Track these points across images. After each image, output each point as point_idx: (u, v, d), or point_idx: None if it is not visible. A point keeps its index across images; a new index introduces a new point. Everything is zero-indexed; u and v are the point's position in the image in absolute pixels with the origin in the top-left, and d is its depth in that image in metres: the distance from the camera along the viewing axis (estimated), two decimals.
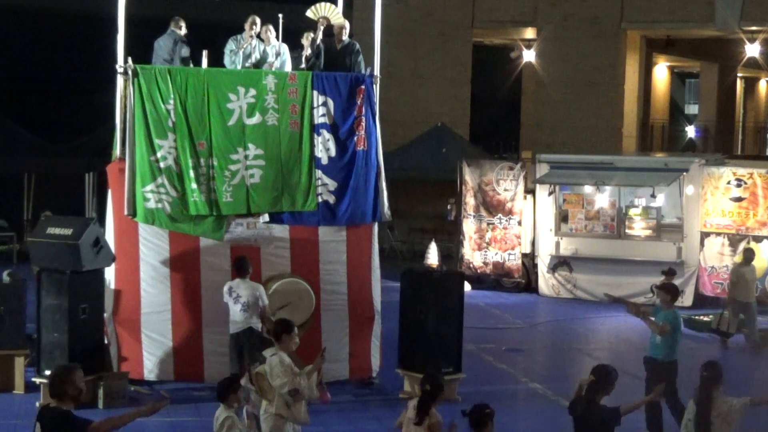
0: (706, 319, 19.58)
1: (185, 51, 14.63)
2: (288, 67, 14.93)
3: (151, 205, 13.91)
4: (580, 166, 22.60)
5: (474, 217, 23.10)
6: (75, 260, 13.12)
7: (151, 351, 14.11)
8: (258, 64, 14.76)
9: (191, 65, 14.67)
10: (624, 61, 29.94)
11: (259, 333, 13.44)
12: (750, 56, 31.12)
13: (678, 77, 45.13)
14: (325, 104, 14.48)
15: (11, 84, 32.17)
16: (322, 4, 15.11)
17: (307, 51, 15.23)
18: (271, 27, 14.94)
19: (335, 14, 15.11)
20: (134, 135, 13.83)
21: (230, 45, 14.76)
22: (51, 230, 13.44)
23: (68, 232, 13.27)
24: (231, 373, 13.49)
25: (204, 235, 14.17)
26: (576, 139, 28.83)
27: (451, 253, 24.41)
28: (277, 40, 15.08)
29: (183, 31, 14.74)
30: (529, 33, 30.82)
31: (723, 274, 21.04)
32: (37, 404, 13.18)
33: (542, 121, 30.10)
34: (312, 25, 15.19)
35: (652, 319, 12.23)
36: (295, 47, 15.20)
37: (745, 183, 20.99)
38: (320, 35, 15.02)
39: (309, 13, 15.11)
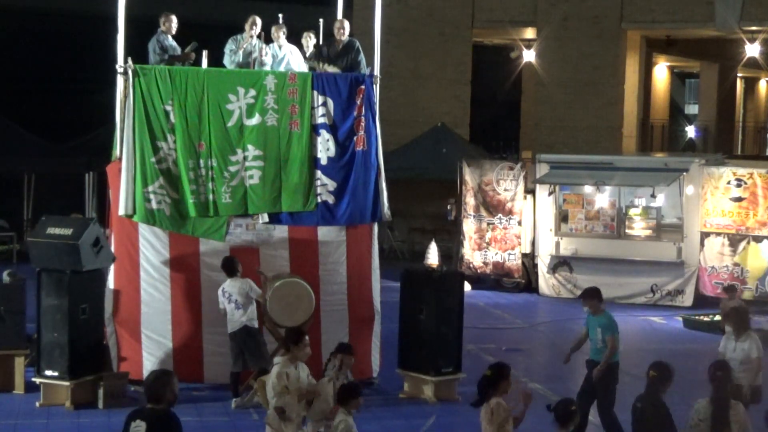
0: (705, 319, 19.59)
1: (169, 47, 14.55)
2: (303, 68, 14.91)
3: (153, 205, 13.91)
4: (580, 166, 22.59)
5: (474, 217, 23.10)
6: (75, 260, 13.11)
7: (151, 351, 14.09)
8: (257, 63, 14.75)
9: (189, 48, 14.57)
10: (624, 61, 29.93)
11: (255, 332, 13.45)
12: (750, 56, 31.10)
13: (678, 77, 45.11)
14: (324, 104, 14.48)
15: (11, 84, 32.16)
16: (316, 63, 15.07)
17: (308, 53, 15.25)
18: (284, 29, 14.88)
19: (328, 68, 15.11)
20: (134, 136, 13.83)
21: (230, 45, 14.76)
22: (51, 230, 13.43)
23: (68, 232, 13.27)
24: (231, 373, 13.54)
25: (204, 236, 14.18)
26: (576, 139, 28.83)
27: (451, 253, 24.39)
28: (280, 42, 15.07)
29: (172, 26, 14.56)
30: (529, 33, 30.81)
31: (723, 274, 21.05)
32: (37, 404, 13.24)
33: (542, 121, 30.09)
34: (312, 26, 15.20)
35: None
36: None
37: (745, 183, 20.99)
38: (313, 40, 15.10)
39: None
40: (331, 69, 14.85)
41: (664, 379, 9.18)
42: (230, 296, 13.35)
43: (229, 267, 13.51)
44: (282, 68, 14.79)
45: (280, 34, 14.89)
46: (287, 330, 10.40)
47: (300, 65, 14.95)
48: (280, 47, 14.90)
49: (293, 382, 9.44)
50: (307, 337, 9.85)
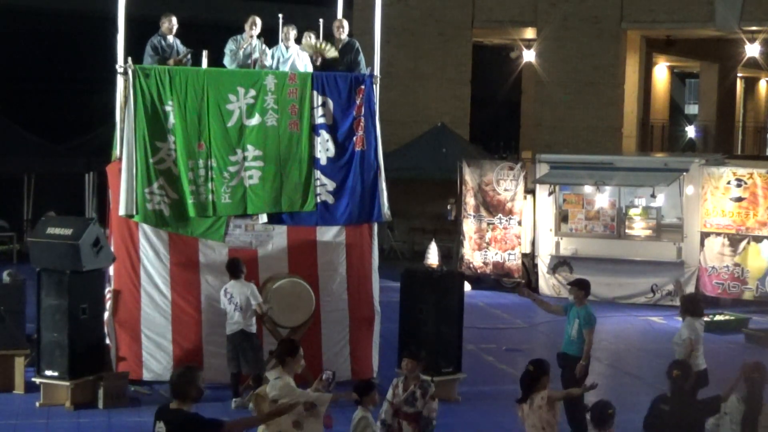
0: (706, 318, 19.55)
1: (166, 48, 14.54)
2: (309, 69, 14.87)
3: (152, 206, 13.93)
4: (580, 166, 22.59)
5: (474, 217, 23.09)
6: (75, 260, 13.11)
7: (151, 351, 14.11)
8: (257, 64, 14.74)
9: (181, 54, 14.55)
10: (624, 61, 29.94)
11: (252, 337, 13.43)
12: (750, 56, 31.10)
13: (678, 77, 45.10)
14: (324, 104, 14.48)
15: (11, 84, 32.15)
16: (315, 41, 15.04)
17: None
18: (295, 30, 14.84)
19: (329, 50, 15.02)
20: (134, 136, 13.84)
21: (230, 45, 14.74)
22: (51, 230, 13.43)
23: (68, 232, 13.27)
24: (231, 373, 13.54)
25: (204, 236, 14.19)
26: (576, 139, 28.83)
27: (451, 253, 24.39)
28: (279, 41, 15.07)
29: (172, 26, 14.54)
30: (529, 33, 30.81)
31: (723, 275, 21.05)
32: (37, 404, 13.23)
33: (542, 121, 30.09)
34: (312, 26, 15.19)
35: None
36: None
37: (745, 183, 20.98)
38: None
39: (303, 48, 15.01)
40: (331, 53, 14.84)
41: (687, 377, 9.25)
42: (231, 297, 13.35)
43: (234, 268, 13.51)
44: (286, 68, 14.74)
45: (290, 35, 14.84)
46: (281, 342, 10.19)
47: (305, 69, 14.86)
48: (287, 48, 14.86)
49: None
50: (301, 350, 9.61)
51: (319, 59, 14.96)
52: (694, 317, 12.31)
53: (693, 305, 12.54)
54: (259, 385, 12.67)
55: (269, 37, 15.15)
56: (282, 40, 14.87)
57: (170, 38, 14.62)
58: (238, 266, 13.50)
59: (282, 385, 9.22)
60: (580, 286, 12.62)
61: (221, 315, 13.83)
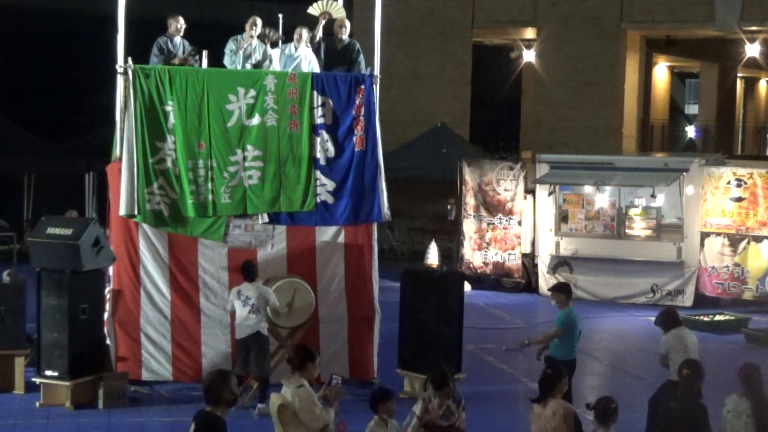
0: (705, 319, 19.59)
1: (172, 49, 14.56)
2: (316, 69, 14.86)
3: (152, 206, 13.94)
4: (580, 166, 22.59)
5: (474, 217, 23.09)
6: (75, 260, 13.11)
7: (151, 351, 14.11)
8: (258, 65, 14.75)
9: (186, 53, 14.55)
10: (624, 61, 29.93)
11: (265, 340, 13.38)
12: (750, 56, 31.10)
13: (678, 77, 45.10)
14: (324, 105, 14.47)
15: (11, 84, 32.17)
16: (324, 0, 15.10)
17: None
18: (306, 32, 14.81)
19: (336, 8, 15.11)
20: (134, 136, 13.85)
21: (230, 45, 14.74)
22: (51, 230, 13.43)
23: (68, 232, 13.26)
24: (236, 374, 13.49)
25: (203, 236, 14.19)
26: (576, 139, 28.83)
27: (451, 253, 24.40)
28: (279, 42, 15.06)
29: (178, 26, 14.56)
30: (529, 33, 30.81)
31: (723, 275, 21.06)
32: (37, 404, 13.24)
33: (542, 121, 30.09)
34: (313, 24, 15.18)
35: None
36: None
37: (745, 183, 20.99)
38: (320, 32, 15.01)
39: (311, 10, 15.09)
40: (338, 13, 15.04)
41: (698, 377, 9.23)
42: (247, 299, 13.24)
43: (248, 271, 13.44)
44: (290, 69, 14.71)
45: (303, 36, 14.77)
46: (297, 348, 9.98)
47: (311, 71, 14.84)
48: (296, 48, 14.82)
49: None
50: (318, 357, 9.43)
51: (326, 18, 14.97)
52: (677, 328, 12.14)
53: (669, 317, 12.31)
54: (266, 388, 12.65)
55: (272, 37, 15.15)
56: (294, 40, 14.84)
57: (177, 39, 14.63)
58: (252, 268, 13.45)
59: (305, 396, 9.04)
60: (560, 290, 12.59)
61: (221, 315, 13.82)
